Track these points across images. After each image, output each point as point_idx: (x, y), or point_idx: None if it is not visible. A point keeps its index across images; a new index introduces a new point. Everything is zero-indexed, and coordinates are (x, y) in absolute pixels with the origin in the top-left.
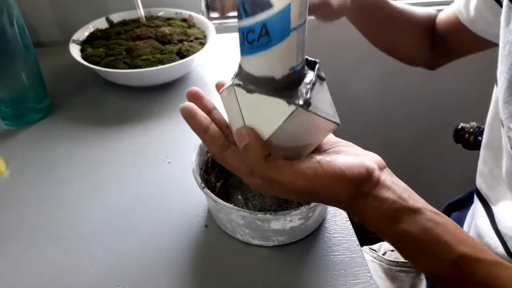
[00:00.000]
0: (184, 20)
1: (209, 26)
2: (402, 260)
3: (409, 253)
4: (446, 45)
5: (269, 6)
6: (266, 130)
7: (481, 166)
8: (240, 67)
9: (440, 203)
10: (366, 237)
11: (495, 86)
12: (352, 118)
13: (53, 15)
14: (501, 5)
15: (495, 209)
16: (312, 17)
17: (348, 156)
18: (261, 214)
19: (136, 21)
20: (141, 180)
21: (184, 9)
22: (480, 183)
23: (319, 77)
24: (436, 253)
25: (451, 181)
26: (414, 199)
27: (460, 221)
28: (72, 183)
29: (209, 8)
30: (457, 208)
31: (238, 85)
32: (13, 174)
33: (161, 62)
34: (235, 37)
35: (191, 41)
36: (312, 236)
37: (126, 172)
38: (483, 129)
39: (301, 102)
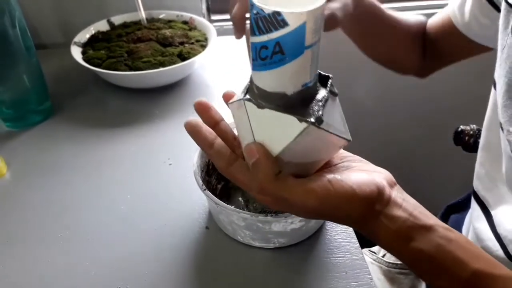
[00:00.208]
0: (185, 22)
1: (210, 29)
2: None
3: (423, 271)
4: (437, 51)
5: (284, 24)
6: (276, 146)
7: (478, 168)
8: (251, 81)
9: (439, 206)
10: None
11: (492, 89)
12: (351, 120)
13: (55, 17)
14: (497, 9)
15: (493, 212)
16: None
17: (358, 173)
18: (262, 216)
19: (137, 23)
20: (143, 181)
21: (185, 12)
22: (477, 185)
23: (331, 93)
24: (450, 271)
25: (451, 184)
26: (426, 216)
27: (459, 224)
28: (73, 185)
29: (210, 10)
30: (456, 210)
31: (249, 99)
32: (14, 176)
33: (162, 64)
34: (236, 40)
35: (192, 43)
36: (313, 238)
37: (127, 174)
38: None
39: (312, 120)
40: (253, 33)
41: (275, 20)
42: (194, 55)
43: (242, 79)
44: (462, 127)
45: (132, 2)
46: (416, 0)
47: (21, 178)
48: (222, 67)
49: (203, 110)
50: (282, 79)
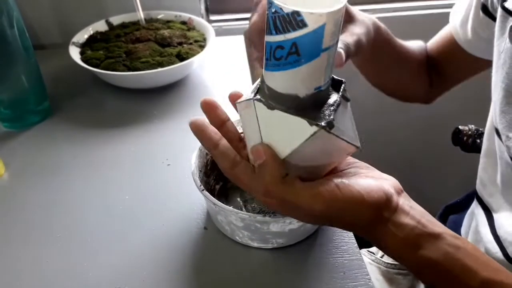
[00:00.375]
0: (183, 22)
1: (209, 29)
2: None
3: (431, 280)
4: (442, 73)
5: (302, 25)
6: (284, 148)
7: (481, 173)
8: (263, 81)
9: (438, 206)
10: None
11: (492, 96)
12: None
13: (53, 17)
14: (494, 19)
15: (496, 215)
16: None
17: (366, 179)
18: (260, 216)
19: (135, 24)
20: (141, 182)
21: (184, 12)
22: (480, 190)
23: (343, 98)
24: (459, 279)
25: (449, 184)
26: (433, 224)
27: (458, 224)
28: (71, 185)
29: (209, 11)
30: (455, 211)
31: (259, 100)
32: (12, 176)
33: (161, 64)
34: (234, 40)
35: (191, 43)
36: (311, 238)
37: (126, 174)
38: (481, 132)
39: (323, 124)
40: (269, 32)
41: (294, 20)
42: (193, 55)
43: (241, 79)
44: (460, 127)
45: (130, 3)
46: (416, 0)
47: (19, 179)
48: (220, 67)
49: (210, 109)
50: (296, 81)
